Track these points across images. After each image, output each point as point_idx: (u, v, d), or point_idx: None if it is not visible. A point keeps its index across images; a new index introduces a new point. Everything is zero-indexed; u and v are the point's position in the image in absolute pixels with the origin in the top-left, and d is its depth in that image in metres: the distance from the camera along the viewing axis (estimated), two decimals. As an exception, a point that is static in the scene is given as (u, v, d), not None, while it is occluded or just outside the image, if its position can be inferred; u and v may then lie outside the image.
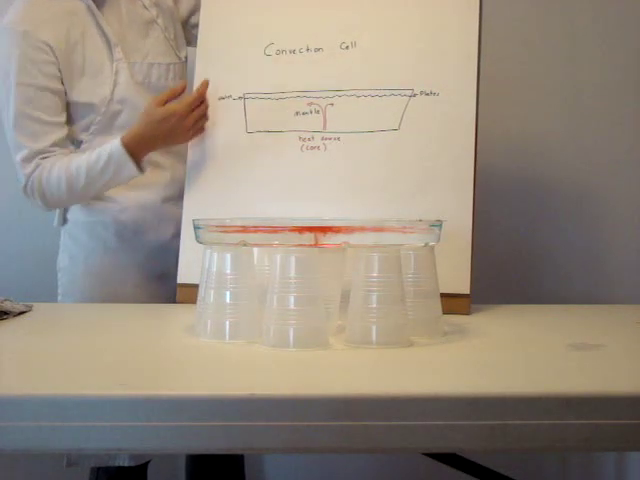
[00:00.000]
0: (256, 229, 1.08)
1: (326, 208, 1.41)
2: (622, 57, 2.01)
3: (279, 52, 1.54)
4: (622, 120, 2.03)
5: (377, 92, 1.47)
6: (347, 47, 1.50)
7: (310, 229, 1.04)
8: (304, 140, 1.49)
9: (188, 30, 1.69)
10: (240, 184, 1.50)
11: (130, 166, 1.48)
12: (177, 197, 1.60)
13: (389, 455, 1.96)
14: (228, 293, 1.10)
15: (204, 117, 1.52)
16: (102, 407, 0.81)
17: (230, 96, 1.54)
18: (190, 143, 1.55)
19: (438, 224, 1.13)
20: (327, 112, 1.49)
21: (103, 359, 1.01)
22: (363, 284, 1.06)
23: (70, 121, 1.57)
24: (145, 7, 1.61)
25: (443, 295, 1.18)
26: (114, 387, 0.84)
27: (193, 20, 1.68)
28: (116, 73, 1.55)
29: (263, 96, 1.52)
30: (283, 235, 1.05)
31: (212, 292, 1.11)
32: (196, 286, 1.18)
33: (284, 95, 1.51)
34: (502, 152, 2.06)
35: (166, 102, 1.50)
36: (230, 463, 1.77)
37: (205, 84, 1.52)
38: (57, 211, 1.65)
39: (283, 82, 1.51)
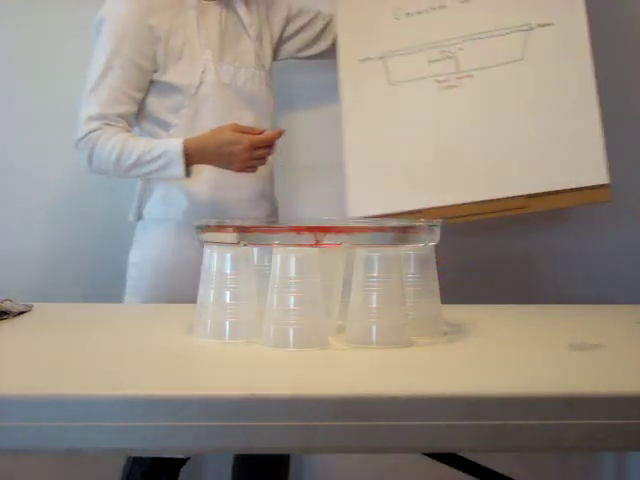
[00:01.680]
0: (256, 229, 1.08)
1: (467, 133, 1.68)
2: None
3: (408, 14, 1.77)
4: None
5: (499, 31, 1.70)
6: (466, 0, 1.75)
7: (310, 229, 1.04)
8: (440, 82, 1.72)
9: (278, 46, 1.82)
10: (390, 126, 1.74)
11: (179, 168, 1.55)
12: (254, 198, 1.69)
13: (389, 455, 1.96)
14: (228, 293, 1.10)
15: (262, 159, 1.59)
16: (102, 407, 0.81)
17: (370, 57, 1.76)
18: (346, 100, 1.74)
19: (437, 224, 1.13)
20: (458, 56, 1.72)
21: (103, 359, 1.01)
22: (363, 284, 1.06)
23: (156, 100, 1.65)
24: (240, 17, 1.72)
25: (582, 189, 1.54)
26: (114, 387, 0.84)
27: (284, 36, 1.82)
28: (203, 72, 1.64)
29: (399, 52, 1.76)
30: (283, 235, 1.05)
31: (212, 292, 1.11)
32: None
33: (418, 49, 1.74)
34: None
35: (244, 130, 1.57)
36: (276, 462, 1.78)
37: (279, 133, 1.59)
38: (133, 205, 1.72)
39: (416, 38, 1.74)
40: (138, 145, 1.57)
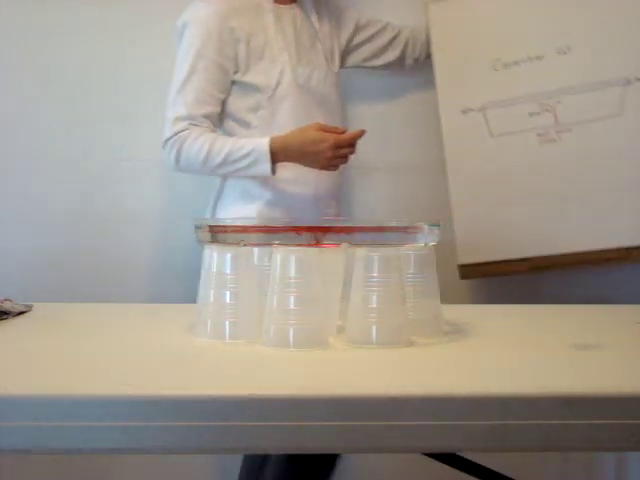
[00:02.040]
0: (256, 229, 1.08)
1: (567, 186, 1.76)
2: None
3: (506, 65, 1.83)
4: None
5: (596, 85, 1.75)
6: (564, 52, 1.79)
7: (310, 229, 1.04)
8: (541, 135, 1.78)
9: (345, 54, 1.88)
10: (494, 177, 1.82)
11: (266, 166, 1.63)
12: (327, 197, 1.77)
13: (389, 455, 1.96)
14: (228, 293, 1.10)
15: (345, 158, 1.66)
16: (102, 407, 0.81)
17: (471, 108, 1.84)
18: (449, 150, 1.82)
19: (437, 224, 1.13)
20: (556, 109, 1.78)
21: (103, 359, 1.01)
22: (363, 284, 1.06)
23: (237, 100, 1.72)
24: (311, 21, 1.80)
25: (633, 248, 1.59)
26: (114, 387, 0.84)
27: (351, 45, 1.89)
28: (280, 73, 1.70)
29: (499, 104, 1.82)
30: (283, 235, 1.05)
31: (212, 292, 1.11)
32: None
33: (517, 101, 1.80)
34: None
35: (327, 129, 1.64)
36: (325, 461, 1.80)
37: (361, 133, 1.65)
38: (209, 206, 1.80)
39: (515, 90, 1.80)
40: (226, 144, 1.64)
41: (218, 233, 1.11)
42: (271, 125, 1.72)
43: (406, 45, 1.96)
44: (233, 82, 1.71)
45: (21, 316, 1.31)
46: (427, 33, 1.93)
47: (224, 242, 1.10)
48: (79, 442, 0.81)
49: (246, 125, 1.73)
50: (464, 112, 1.85)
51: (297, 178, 1.73)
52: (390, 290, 1.06)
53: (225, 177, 1.77)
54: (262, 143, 1.63)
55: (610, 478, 2.08)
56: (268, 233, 1.07)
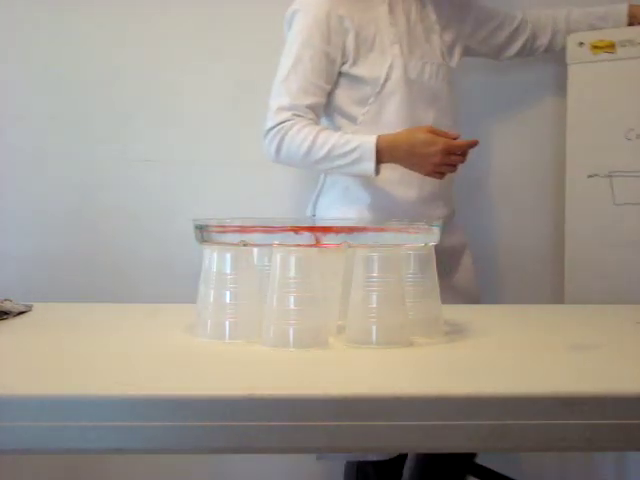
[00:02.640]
0: (256, 229, 1.08)
1: None
2: None
3: (638, 136, 1.83)
4: None
5: None
6: None
7: (310, 229, 1.04)
8: None
9: (465, 47, 1.82)
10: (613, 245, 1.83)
11: (370, 164, 1.56)
12: (434, 199, 1.70)
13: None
14: (228, 293, 1.10)
15: (453, 166, 1.58)
16: (102, 407, 0.81)
17: (597, 174, 1.84)
18: (569, 211, 1.83)
19: (438, 224, 1.13)
20: None
21: (103, 359, 1.01)
22: (363, 284, 1.06)
23: (345, 92, 1.68)
24: (428, 13, 1.74)
25: None
26: (114, 387, 0.84)
27: (472, 39, 1.83)
28: (390, 67, 1.65)
29: (627, 174, 1.82)
30: (283, 235, 1.05)
31: (212, 292, 1.11)
32: None
33: None
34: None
35: (439, 134, 1.56)
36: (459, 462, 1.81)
37: (474, 142, 1.56)
38: (311, 202, 1.78)
39: None
40: (330, 138, 1.58)
41: (218, 233, 1.11)
42: (377, 122, 1.66)
43: (531, 37, 1.89)
44: (340, 73, 1.66)
45: (21, 316, 1.31)
46: (566, 26, 1.89)
47: (224, 242, 1.10)
48: (79, 442, 0.81)
49: (353, 119, 1.68)
50: (590, 177, 1.86)
51: (401, 179, 1.66)
52: (390, 290, 1.06)
53: (326, 174, 1.73)
54: (369, 140, 1.56)
55: (610, 478, 2.07)
56: (268, 233, 1.07)
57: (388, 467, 1.66)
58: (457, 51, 1.79)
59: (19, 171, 2.08)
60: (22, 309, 1.34)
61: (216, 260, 1.11)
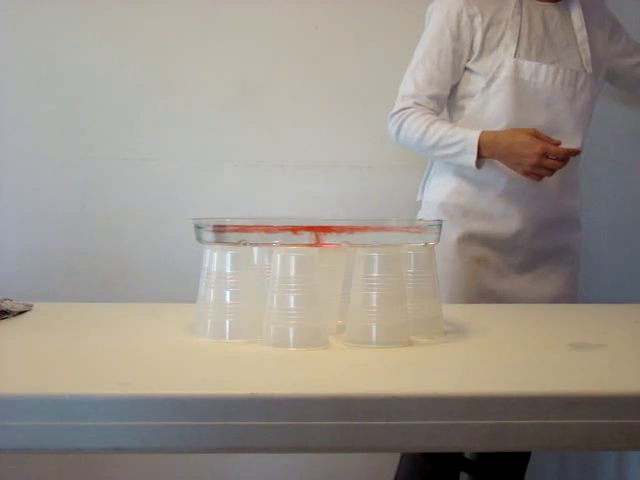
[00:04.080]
0: (256, 229, 1.08)
1: None
2: None
3: None
4: None
5: None
6: None
7: (310, 229, 1.04)
8: None
9: (615, 66, 1.86)
10: None
11: (472, 157, 1.66)
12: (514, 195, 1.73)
13: (389, 455, 1.96)
14: (228, 292, 1.10)
15: (550, 170, 1.63)
16: (102, 407, 0.81)
17: None
18: None
19: (438, 224, 1.13)
20: None
21: (102, 358, 1.01)
22: (363, 284, 1.06)
23: (460, 85, 1.77)
24: (572, 19, 1.77)
25: None
26: (113, 387, 0.84)
27: (624, 63, 1.87)
28: (500, 66, 1.71)
29: None
30: (283, 235, 1.05)
31: (212, 291, 1.11)
32: None
33: None
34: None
35: (541, 137, 1.62)
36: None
37: (575, 151, 1.63)
38: (420, 187, 1.89)
39: None
40: (441, 129, 1.69)
41: (218, 232, 1.11)
42: (480, 117, 1.73)
43: None
44: (466, 68, 1.75)
45: (21, 316, 1.31)
46: None
47: (224, 241, 1.10)
48: (79, 442, 0.81)
49: (460, 110, 1.77)
50: None
51: (511, 172, 1.70)
52: (390, 290, 1.06)
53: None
54: (473, 135, 1.66)
55: (610, 478, 2.08)
56: (268, 233, 1.07)
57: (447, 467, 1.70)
58: (604, 65, 1.81)
59: (18, 170, 2.08)
60: (22, 309, 1.34)
61: (216, 260, 1.11)
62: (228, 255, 1.10)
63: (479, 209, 1.74)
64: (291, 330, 1.04)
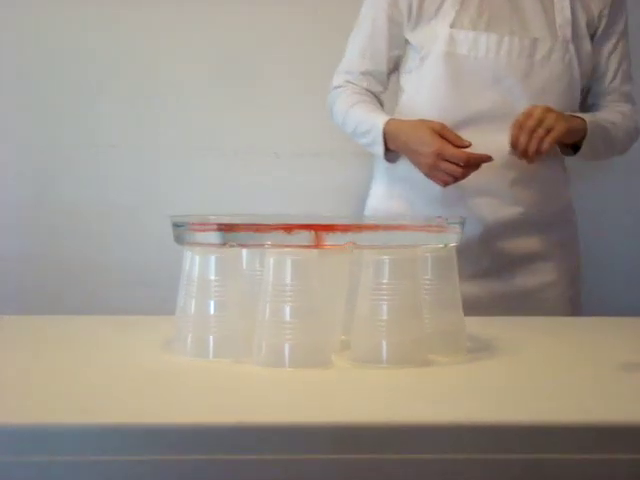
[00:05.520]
0: (245, 227, 1.08)
1: None
2: None
3: None
4: None
5: None
6: None
7: (310, 227, 1.04)
8: None
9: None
10: None
11: (379, 148, 1.69)
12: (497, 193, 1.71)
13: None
14: (212, 302, 1.10)
15: (449, 176, 1.60)
16: (64, 438, 0.80)
17: None
18: None
19: (460, 221, 1.13)
20: None
21: (64, 381, 1.01)
22: (372, 292, 1.06)
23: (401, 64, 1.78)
24: None
25: None
26: (78, 414, 0.84)
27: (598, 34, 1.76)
28: (433, 38, 1.69)
29: None
30: (277, 234, 1.05)
31: (193, 301, 1.11)
32: None
33: None
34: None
35: (446, 136, 1.60)
36: None
37: (486, 158, 1.58)
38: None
39: None
40: (356, 115, 1.73)
41: (200, 232, 1.11)
42: (414, 103, 1.74)
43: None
44: (406, 40, 1.74)
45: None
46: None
47: (207, 242, 1.10)
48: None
49: (401, 92, 1.78)
50: None
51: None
52: (403, 299, 1.06)
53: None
54: (378, 123, 1.68)
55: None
56: (259, 232, 1.07)
57: None
58: (585, 34, 1.72)
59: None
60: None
61: (198, 264, 1.11)
62: (212, 258, 1.10)
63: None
64: (287, 347, 1.04)
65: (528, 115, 1.60)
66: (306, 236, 1.04)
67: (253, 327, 1.07)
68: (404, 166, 1.71)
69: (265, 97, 2.16)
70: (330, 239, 1.05)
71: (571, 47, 1.69)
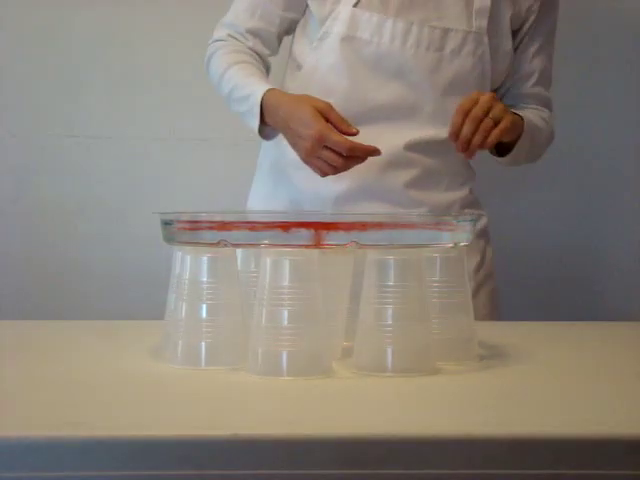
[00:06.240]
0: (240, 225, 1.08)
1: None
2: None
3: None
4: None
5: None
6: None
7: (310, 225, 1.04)
8: None
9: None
10: None
11: (254, 121, 1.57)
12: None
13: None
14: (204, 306, 1.10)
15: (330, 166, 1.48)
16: (47, 452, 0.80)
17: None
18: None
19: (470, 218, 1.14)
20: None
21: (48, 392, 1.01)
22: (376, 295, 1.07)
23: (299, 32, 1.69)
24: None
25: None
26: (63, 427, 0.84)
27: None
28: (334, 18, 1.60)
29: None
30: (274, 233, 1.05)
31: (184, 305, 1.11)
32: None
33: None
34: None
35: (331, 119, 1.48)
36: None
37: (373, 150, 1.48)
38: None
39: None
40: (233, 77, 1.61)
41: (191, 230, 1.11)
42: (309, 86, 1.62)
43: None
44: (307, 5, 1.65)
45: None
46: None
47: (199, 242, 1.10)
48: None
49: (297, 68, 1.68)
50: None
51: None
52: (410, 303, 1.06)
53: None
54: (256, 92, 1.56)
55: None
56: (255, 230, 1.07)
57: None
58: (508, 29, 1.66)
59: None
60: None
61: (189, 265, 1.11)
62: (204, 259, 1.10)
63: None
64: (284, 354, 1.04)
65: (473, 101, 1.49)
66: (305, 235, 1.04)
67: (248, 333, 1.07)
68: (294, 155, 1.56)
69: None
70: (331, 238, 1.05)
71: (485, 39, 1.62)
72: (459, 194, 1.68)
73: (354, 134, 1.47)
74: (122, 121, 2.13)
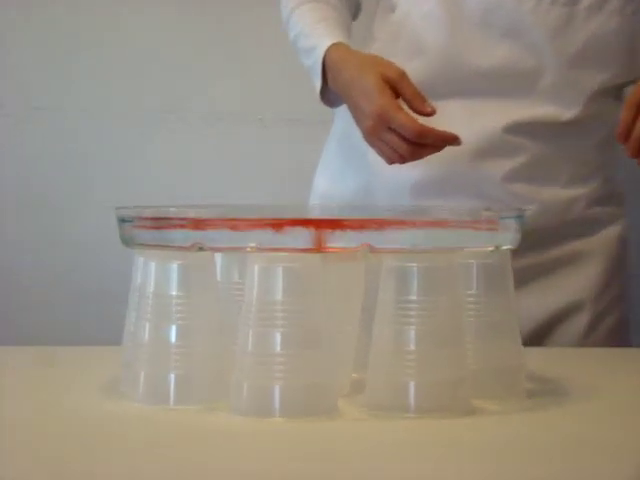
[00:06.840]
0: (220, 222, 1.08)
1: None
2: None
3: None
4: None
5: None
6: None
7: (309, 223, 1.04)
8: None
9: None
10: None
11: (316, 80, 1.60)
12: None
13: None
14: (174, 328, 1.10)
15: (393, 152, 1.49)
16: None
17: None
18: None
19: (516, 215, 1.13)
20: None
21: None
22: (394, 313, 1.07)
23: None
24: None
25: None
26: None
27: None
28: None
29: None
30: (263, 233, 1.04)
31: (147, 326, 1.11)
32: None
33: None
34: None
35: (402, 91, 1.49)
36: None
37: (452, 138, 1.47)
38: None
39: None
40: (301, 19, 1.66)
41: (157, 229, 1.10)
42: (396, 40, 1.64)
43: None
44: None
45: None
46: None
47: (167, 244, 1.10)
48: None
49: (388, 11, 1.69)
50: None
51: None
52: (438, 323, 1.06)
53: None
54: (320, 45, 1.59)
55: None
56: (239, 230, 1.06)
57: None
58: None
59: None
60: None
61: (154, 274, 1.11)
62: (174, 267, 1.10)
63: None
64: (277, 389, 1.04)
65: None
66: (304, 235, 1.04)
67: (230, 362, 1.07)
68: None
69: (246, 47, 2.17)
70: (337, 239, 1.04)
71: None
72: (584, 190, 1.67)
73: (429, 114, 1.47)
74: (75, 90, 2.14)
